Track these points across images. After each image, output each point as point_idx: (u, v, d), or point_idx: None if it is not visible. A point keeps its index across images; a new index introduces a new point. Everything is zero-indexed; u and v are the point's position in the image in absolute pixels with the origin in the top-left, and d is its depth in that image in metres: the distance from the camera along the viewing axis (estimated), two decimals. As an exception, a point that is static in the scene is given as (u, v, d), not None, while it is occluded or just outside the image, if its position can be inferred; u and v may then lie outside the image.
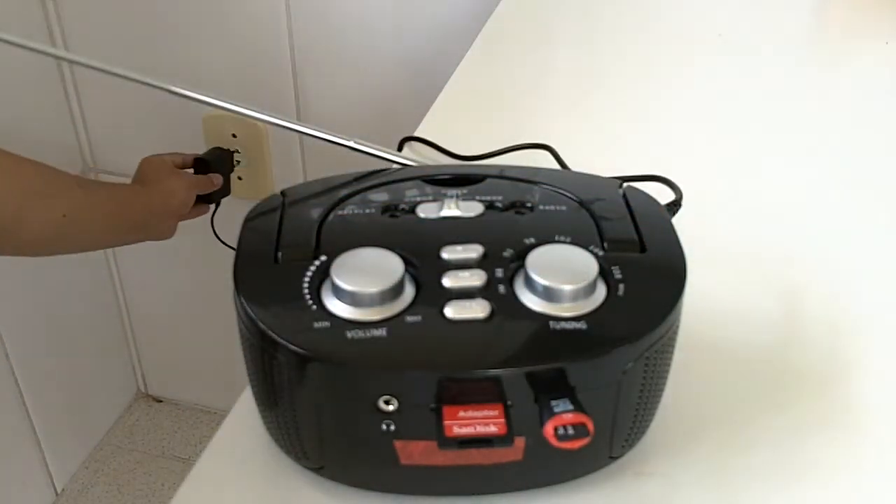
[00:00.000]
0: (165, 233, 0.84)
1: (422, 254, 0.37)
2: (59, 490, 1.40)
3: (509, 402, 0.34)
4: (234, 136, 1.18)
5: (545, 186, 0.43)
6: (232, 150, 1.12)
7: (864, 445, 0.42)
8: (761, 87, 0.72)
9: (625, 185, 0.44)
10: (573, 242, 0.38)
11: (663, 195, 0.47)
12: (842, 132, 0.67)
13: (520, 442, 0.35)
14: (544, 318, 0.35)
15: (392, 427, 0.35)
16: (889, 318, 0.49)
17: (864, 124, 0.68)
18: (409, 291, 0.36)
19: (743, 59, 0.76)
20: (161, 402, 1.55)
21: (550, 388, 0.34)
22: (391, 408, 0.34)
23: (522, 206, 0.41)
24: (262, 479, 0.40)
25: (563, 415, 0.33)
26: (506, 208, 0.41)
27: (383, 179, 0.44)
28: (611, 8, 0.84)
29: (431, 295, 0.36)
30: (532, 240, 0.38)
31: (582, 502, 0.39)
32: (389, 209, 0.41)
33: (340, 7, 1.07)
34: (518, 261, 0.37)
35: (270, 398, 0.37)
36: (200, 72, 1.15)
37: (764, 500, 0.39)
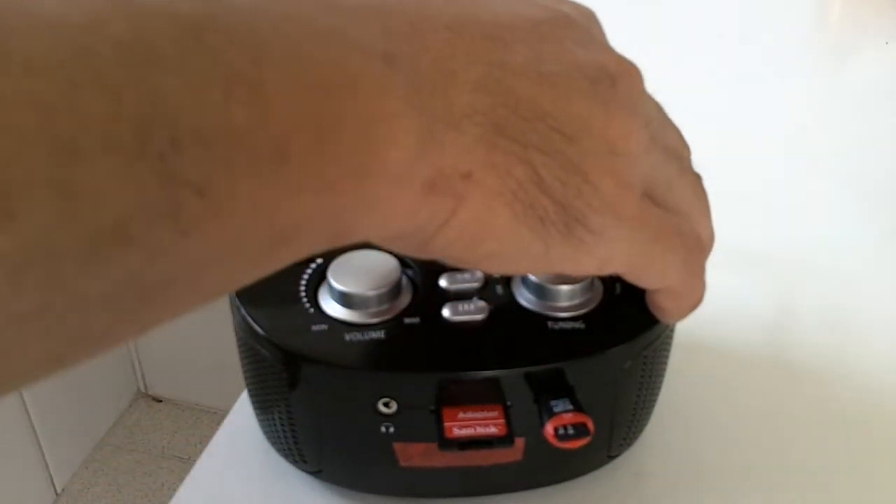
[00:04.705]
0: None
1: (419, 255, 0.37)
2: (59, 490, 1.41)
3: (509, 403, 0.34)
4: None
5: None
6: None
7: (865, 445, 0.42)
8: (761, 87, 0.72)
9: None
10: (572, 243, 0.38)
11: (662, 195, 0.46)
12: (842, 132, 0.67)
13: (520, 442, 0.35)
14: (542, 318, 0.35)
15: (391, 429, 0.35)
16: (889, 318, 0.49)
17: (864, 124, 0.68)
18: (406, 293, 0.36)
19: (743, 59, 0.76)
20: (161, 402, 1.56)
21: (550, 388, 0.34)
22: (390, 410, 0.34)
23: (521, 206, 0.41)
24: (261, 480, 0.40)
25: (563, 415, 0.33)
26: (504, 209, 0.41)
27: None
28: (610, 8, 0.84)
29: (429, 296, 0.36)
30: (530, 240, 0.38)
31: (581, 501, 0.39)
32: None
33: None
34: (516, 261, 0.37)
35: (268, 401, 0.37)
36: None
37: (763, 501, 0.39)
